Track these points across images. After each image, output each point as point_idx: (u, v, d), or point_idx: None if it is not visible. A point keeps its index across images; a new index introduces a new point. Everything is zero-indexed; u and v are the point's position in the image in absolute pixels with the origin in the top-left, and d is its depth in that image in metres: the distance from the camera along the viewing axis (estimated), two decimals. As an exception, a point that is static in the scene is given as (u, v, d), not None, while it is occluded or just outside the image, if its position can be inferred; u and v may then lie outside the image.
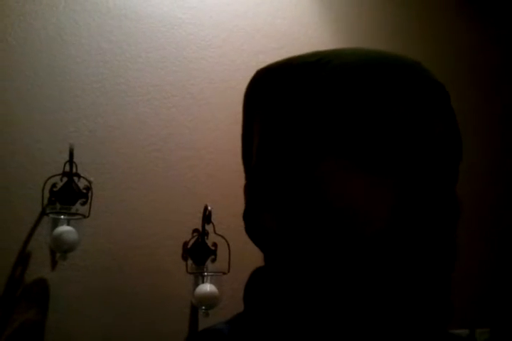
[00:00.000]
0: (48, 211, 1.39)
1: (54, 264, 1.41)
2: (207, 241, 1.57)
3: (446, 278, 0.52)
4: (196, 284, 1.51)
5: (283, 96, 0.56)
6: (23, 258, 1.39)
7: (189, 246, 1.57)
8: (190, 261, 1.54)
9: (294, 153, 0.54)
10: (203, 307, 1.49)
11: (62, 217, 1.39)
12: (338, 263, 0.51)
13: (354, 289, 0.50)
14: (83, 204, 1.43)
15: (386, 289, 0.50)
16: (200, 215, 1.58)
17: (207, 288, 1.49)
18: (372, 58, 0.55)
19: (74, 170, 1.44)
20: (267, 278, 0.57)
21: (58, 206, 1.39)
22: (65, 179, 1.42)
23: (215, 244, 1.58)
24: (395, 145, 0.51)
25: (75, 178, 1.43)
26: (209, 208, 1.58)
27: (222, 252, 1.56)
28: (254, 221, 0.58)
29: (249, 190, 0.58)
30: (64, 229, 1.36)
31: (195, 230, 1.58)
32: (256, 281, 0.58)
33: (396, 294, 0.50)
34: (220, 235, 1.57)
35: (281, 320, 0.54)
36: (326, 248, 0.51)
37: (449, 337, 0.60)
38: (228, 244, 1.56)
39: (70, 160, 1.43)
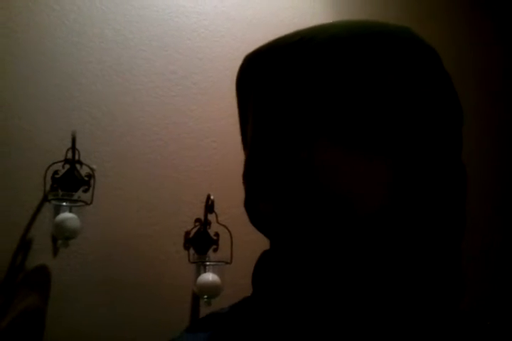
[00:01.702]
0: (50, 197, 1.38)
1: (55, 251, 1.40)
2: (209, 231, 1.56)
3: (454, 254, 0.51)
4: (198, 273, 1.50)
5: (271, 80, 0.55)
6: (25, 244, 1.38)
7: (191, 236, 1.56)
8: (192, 251, 1.54)
9: (287, 137, 0.53)
10: (205, 297, 1.48)
11: (64, 203, 1.38)
12: (338, 244, 0.50)
13: (356, 270, 0.49)
14: (85, 191, 1.42)
15: (388, 269, 0.49)
16: (203, 205, 1.58)
17: (209, 277, 1.48)
18: (356, 29, 0.54)
19: (76, 157, 1.43)
20: (271, 261, 0.56)
21: (60, 193, 1.38)
22: (67, 166, 1.41)
23: (217, 234, 1.57)
24: (385, 122, 0.49)
25: (77, 165, 1.42)
26: (212, 197, 1.57)
27: (224, 242, 1.55)
28: (253, 208, 0.57)
29: (246, 178, 0.58)
30: (66, 215, 1.35)
31: (198, 220, 1.57)
32: (261, 264, 0.58)
33: (398, 273, 0.49)
34: (222, 225, 1.56)
35: (283, 302, 0.53)
36: (324, 230, 0.50)
37: (461, 316, 0.58)
38: (231, 234, 1.55)
39: (73, 147, 1.42)
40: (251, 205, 0.57)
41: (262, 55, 0.58)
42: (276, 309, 0.54)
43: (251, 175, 0.57)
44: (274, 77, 0.55)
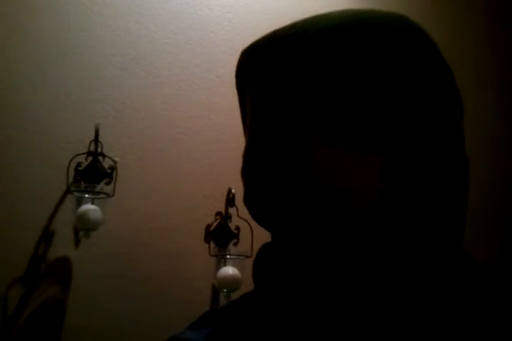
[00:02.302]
0: (72, 189, 1.39)
1: (77, 243, 1.42)
2: (230, 225, 1.56)
3: (453, 247, 0.51)
4: (218, 267, 1.50)
5: (265, 75, 0.54)
6: (47, 235, 1.39)
7: (212, 229, 1.56)
8: (212, 244, 1.54)
9: (281, 135, 0.52)
10: (225, 290, 1.48)
11: (86, 195, 1.39)
12: (336, 238, 0.50)
13: (354, 262, 0.49)
14: (108, 184, 1.43)
15: (383, 260, 0.49)
16: (224, 198, 1.58)
17: (229, 270, 1.49)
18: (348, 21, 0.52)
19: (99, 149, 1.44)
20: (271, 255, 0.56)
21: (83, 185, 1.39)
22: (90, 158, 1.42)
23: (237, 228, 1.57)
24: (377, 119, 0.49)
25: (100, 158, 1.43)
26: (233, 191, 1.57)
27: (245, 236, 1.55)
28: (251, 204, 0.57)
29: (244, 175, 0.57)
30: (89, 207, 1.36)
31: (219, 213, 1.58)
32: (261, 258, 0.57)
33: (394, 264, 0.49)
34: (243, 218, 1.56)
35: (283, 297, 0.53)
36: (322, 224, 0.50)
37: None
38: (251, 228, 1.54)
39: (96, 140, 1.43)
40: (249, 202, 0.57)
41: (258, 48, 0.57)
42: (276, 304, 0.53)
43: (248, 172, 0.56)
44: (269, 73, 0.54)
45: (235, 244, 1.55)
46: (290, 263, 0.53)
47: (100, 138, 1.44)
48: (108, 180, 1.43)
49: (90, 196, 1.39)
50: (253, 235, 1.54)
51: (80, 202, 1.39)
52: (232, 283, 1.48)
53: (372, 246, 0.49)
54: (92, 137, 1.43)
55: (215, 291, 1.53)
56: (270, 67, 0.54)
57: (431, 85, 0.51)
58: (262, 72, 0.55)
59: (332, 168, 0.49)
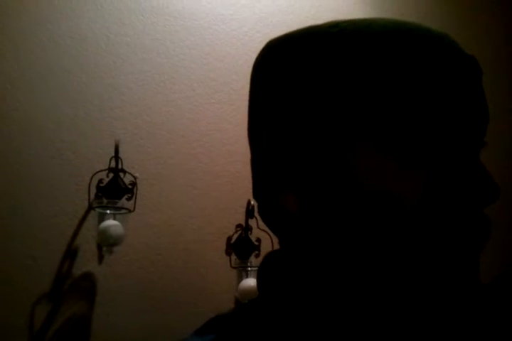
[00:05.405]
0: (94, 205, 1.42)
1: (101, 258, 1.44)
2: (250, 237, 1.58)
3: (476, 258, 0.51)
4: (240, 279, 1.52)
5: (304, 68, 0.51)
6: (71, 252, 1.42)
7: (233, 241, 1.57)
8: (234, 256, 1.55)
9: (320, 134, 0.50)
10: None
11: (108, 211, 1.41)
12: (371, 247, 0.49)
13: (386, 275, 0.49)
14: (129, 199, 1.45)
15: (419, 275, 0.49)
16: (244, 210, 1.59)
17: (251, 282, 1.50)
18: (404, 27, 0.51)
19: (119, 165, 1.46)
20: (281, 262, 0.56)
21: (105, 201, 1.42)
22: (111, 175, 1.45)
23: (258, 239, 1.58)
24: (425, 129, 0.48)
25: (121, 174, 1.46)
26: (252, 203, 1.58)
27: (265, 247, 1.56)
28: (270, 201, 0.55)
29: (264, 168, 0.55)
30: (110, 223, 1.39)
31: (239, 225, 1.59)
32: (269, 266, 0.57)
33: (430, 276, 0.49)
34: (263, 230, 1.57)
35: (294, 308, 0.53)
36: (356, 231, 0.49)
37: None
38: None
39: (116, 156, 1.46)
40: (266, 196, 0.55)
41: (294, 41, 0.54)
42: (283, 312, 0.53)
43: (271, 165, 0.53)
44: (309, 67, 0.51)
45: (257, 256, 1.56)
46: (305, 272, 0.53)
47: (120, 154, 1.47)
48: (129, 195, 1.46)
49: (112, 212, 1.42)
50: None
51: (102, 217, 1.42)
52: (254, 295, 1.48)
53: (413, 257, 0.48)
54: (112, 153, 1.46)
55: (238, 303, 1.54)
56: (311, 62, 0.51)
57: (469, 103, 0.51)
58: (299, 66, 0.52)
59: (377, 174, 0.48)
